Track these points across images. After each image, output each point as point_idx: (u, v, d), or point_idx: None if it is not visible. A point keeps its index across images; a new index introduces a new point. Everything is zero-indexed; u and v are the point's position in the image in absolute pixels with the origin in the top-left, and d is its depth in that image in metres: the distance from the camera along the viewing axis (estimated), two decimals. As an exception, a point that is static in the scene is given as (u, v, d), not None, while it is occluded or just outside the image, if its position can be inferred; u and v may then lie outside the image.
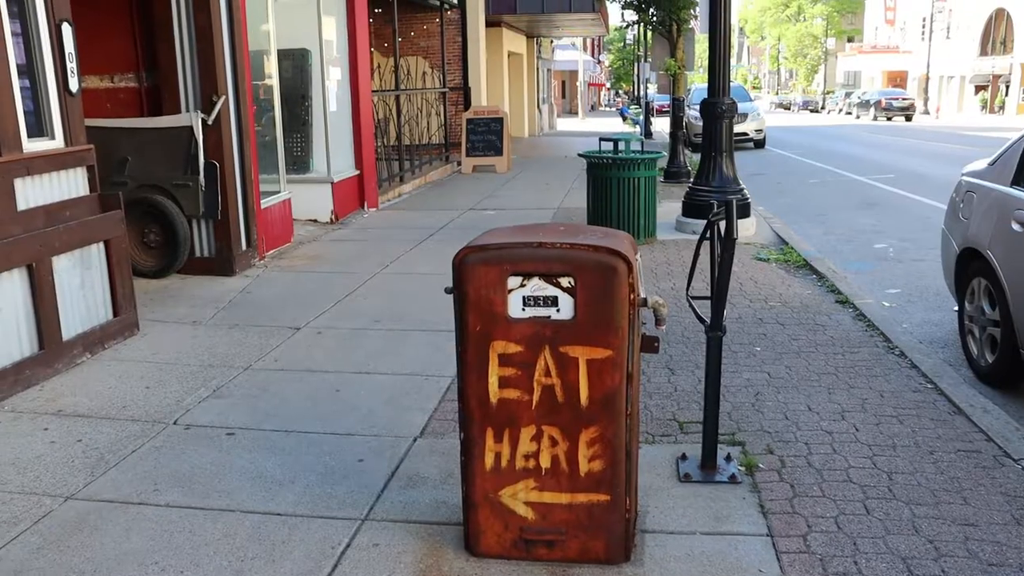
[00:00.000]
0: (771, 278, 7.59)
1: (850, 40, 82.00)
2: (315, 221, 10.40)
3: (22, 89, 5.29)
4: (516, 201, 12.60)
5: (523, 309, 2.86)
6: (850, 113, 53.52)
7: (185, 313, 6.63)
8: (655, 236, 9.25)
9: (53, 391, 5.04)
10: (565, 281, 2.81)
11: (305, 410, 4.65)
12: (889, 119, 45.34)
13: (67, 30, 5.59)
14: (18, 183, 5.19)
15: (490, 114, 16.90)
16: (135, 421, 4.54)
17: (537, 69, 32.60)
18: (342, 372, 5.26)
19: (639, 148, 9.58)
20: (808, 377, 5.03)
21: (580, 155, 9.40)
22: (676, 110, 16.06)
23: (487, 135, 16.69)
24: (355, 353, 5.61)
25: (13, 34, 5.20)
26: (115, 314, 5.98)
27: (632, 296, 2.85)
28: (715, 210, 3.60)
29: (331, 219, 10.48)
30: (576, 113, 55.78)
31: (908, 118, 45.59)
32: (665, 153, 13.30)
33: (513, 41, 25.99)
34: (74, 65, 5.66)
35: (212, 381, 5.12)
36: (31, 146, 5.35)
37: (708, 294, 3.73)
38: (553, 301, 2.84)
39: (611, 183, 8.83)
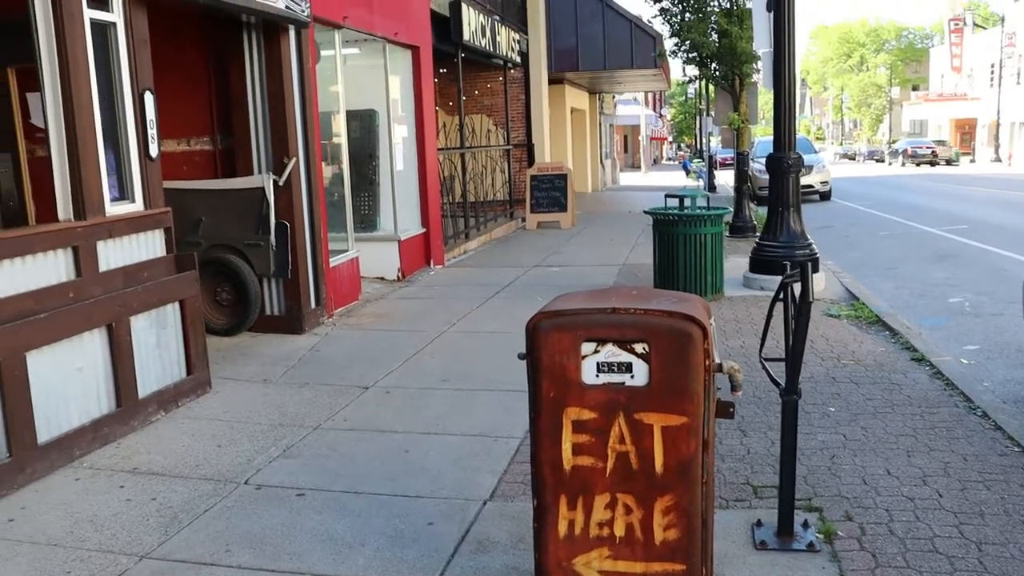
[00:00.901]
0: (842, 335, 7.44)
1: (915, 89, 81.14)
2: (382, 279, 10.53)
3: (106, 155, 5.49)
4: (581, 257, 12.61)
5: (597, 375, 2.84)
6: (881, 160, 58.46)
7: (256, 371, 6.72)
8: (723, 292, 9.16)
9: (129, 448, 5.13)
10: (639, 347, 2.79)
11: (374, 471, 4.66)
12: (918, 165, 50.39)
13: (149, 99, 5.80)
14: (100, 246, 5.36)
15: (554, 170, 17.01)
16: (207, 480, 4.60)
17: (599, 124, 32.83)
18: (411, 432, 5.26)
19: (705, 204, 9.53)
20: (886, 439, 4.89)
21: (646, 212, 9.39)
22: (741, 165, 15.99)
23: (551, 191, 16.80)
24: (423, 413, 5.62)
25: (100, 102, 5.41)
26: (188, 372, 6.10)
27: (707, 362, 2.82)
28: (789, 271, 3.55)
29: (398, 277, 10.60)
30: (639, 167, 55.88)
31: (932, 164, 50.50)
32: (730, 208, 13.21)
33: (576, 97, 26.24)
34: (154, 132, 5.85)
35: (282, 440, 5.17)
36: (113, 209, 5.53)
37: (780, 354, 3.66)
38: (627, 367, 2.82)
39: (677, 240, 8.79)
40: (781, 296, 3.62)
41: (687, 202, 9.11)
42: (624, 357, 2.81)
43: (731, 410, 3.10)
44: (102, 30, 5.51)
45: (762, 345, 3.85)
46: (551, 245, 14.09)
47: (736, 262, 10.71)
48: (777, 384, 3.65)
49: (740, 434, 5.06)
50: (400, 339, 7.66)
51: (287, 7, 7.10)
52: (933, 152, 52.15)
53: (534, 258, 12.58)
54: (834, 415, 5.34)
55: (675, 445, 2.85)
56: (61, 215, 5.32)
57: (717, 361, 2.90)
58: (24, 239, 4.91)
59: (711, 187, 27.59)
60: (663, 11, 21.85)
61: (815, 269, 9.45)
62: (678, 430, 2.84)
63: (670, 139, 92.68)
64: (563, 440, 2.90)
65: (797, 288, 3.47)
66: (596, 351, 2.82)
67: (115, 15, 5.60)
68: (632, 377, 2.83)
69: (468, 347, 7.35)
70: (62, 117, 5.20)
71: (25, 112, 6.91)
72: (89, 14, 5.34)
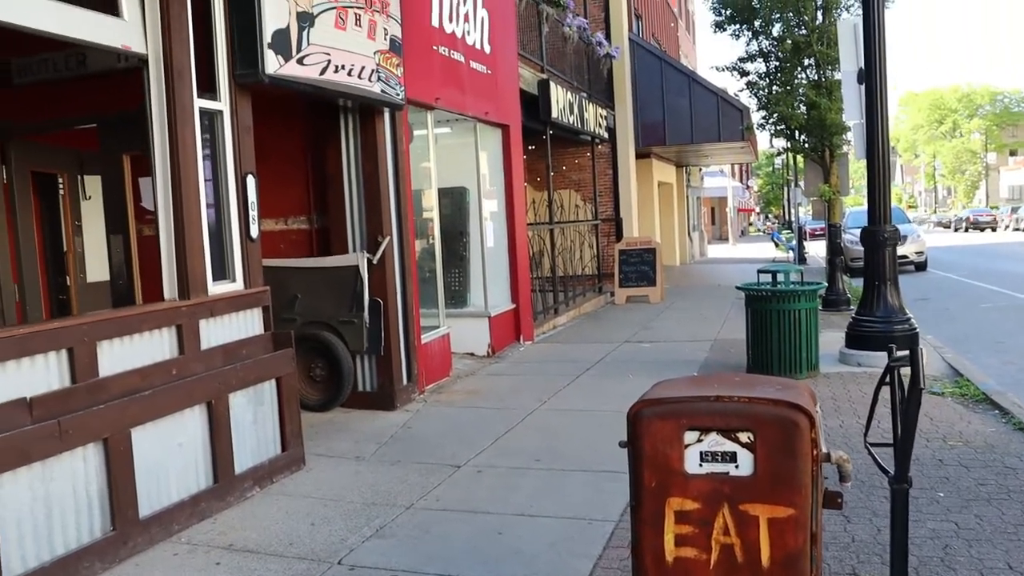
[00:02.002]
0: (948, 414, 7.14)
1: (1012, 154, 78.94)
2: (472, 355, 10.57)
3: (209, 236, 5.69)
4: (671, 333, 12.47)
5: (700, 465, 2.77)
6: (948, 225, 61.86)
7: (348, 448, 6.77)
8: (818, 369, 8.92)
9: (225, 524, 5.20)
10: (744, 436, 2.72)
11: (468, 553, 4.61)
12: (981, 230, 53.82)
13: (251, 181, 6.01)
14: (202, 324, 5.52)
15: (642, 245, 16.99)
16: (301, 559, 4.61)
17: (686, 197, 32.76)
18: (504, 514, 5.21)
19: (798, 278, 9.36)
20: (1003, 529, 4.63)
21: (738, 288, 9.27)
22: (833, 237, 15.70)
23: (640, 265, 16.75)
24: (516, 494, 5.56)
25: (205, 186, 5.63)
26: (283, 448, 6.18)
27: (815, 452, 2.72)
28: (895, 354, 3.43)
29: (488, 352, 10.63)
30: (726, 239, 55.39)
31: (993, 229, 53.63)
32: (824, 281, 12.93)
33: (663, 171, 26.28)
34: (255, 213, 6.05)
35: (375, 520, 5.16)
36: (214, 289, 5.71)
37: (882, 436, 3.52)
38: (732, 457, 2.74)
39: (771, 316, 8.64)
40: (887, 380, 3.49)
41: (780, 276, 8.96)
42: (728, 446, 2.74)
43: (839, 501, 2.99)
44: (209, 117, 5.76)
45: (867, 430, 3.70)
46: (641, 320, 13.98)
47: (831, 336, 10.44)
48: (885, 472, 3.49)
49: (844, 520, 4.86)
50: (491, 416, 7.65)
51: (383, 91, 7.32)
52: (994, 219, 55.84)
53: (624, 333, 12.48)
54: (944, 501, 5.10)
55: (782, 538, 2.75)
56: (166, 294, 5.51)
57: (824, 450, 2.81)
58: (133, 318, 5.08)
59: (801, 259, 27.15)
60: (750, 84, 21.92)
61: (915, 343, 9.14)
62: (785, 522, 2.74)
63: (757, 210, 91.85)
64: (665, 531, 2.83)
65: (903, 370, 3.35)
66: (699, 440, 2.75)
67: (222, 103, 5.85)
68: (737, 467, 2.75)
69: (560, 426, 7.29)
70: (171, 200, 5.43)
71: (136, 195, 7.27)
72: (199, 103, 5.59)
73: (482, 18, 10.65)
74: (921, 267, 24.26)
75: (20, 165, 7.78)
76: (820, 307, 12.81)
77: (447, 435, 7.07)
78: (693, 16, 44.19)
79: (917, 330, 9.32)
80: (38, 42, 6.20)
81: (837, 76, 18.27)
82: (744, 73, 21.93)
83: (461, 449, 6.60)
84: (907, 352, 3.28)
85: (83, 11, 5.00)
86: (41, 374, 4.48)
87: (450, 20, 9.64)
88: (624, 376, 9.17)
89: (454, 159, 10.64)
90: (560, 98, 14.15)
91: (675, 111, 20.99)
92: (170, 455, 5.18)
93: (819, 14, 19.79)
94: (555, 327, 13.39)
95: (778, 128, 21.41)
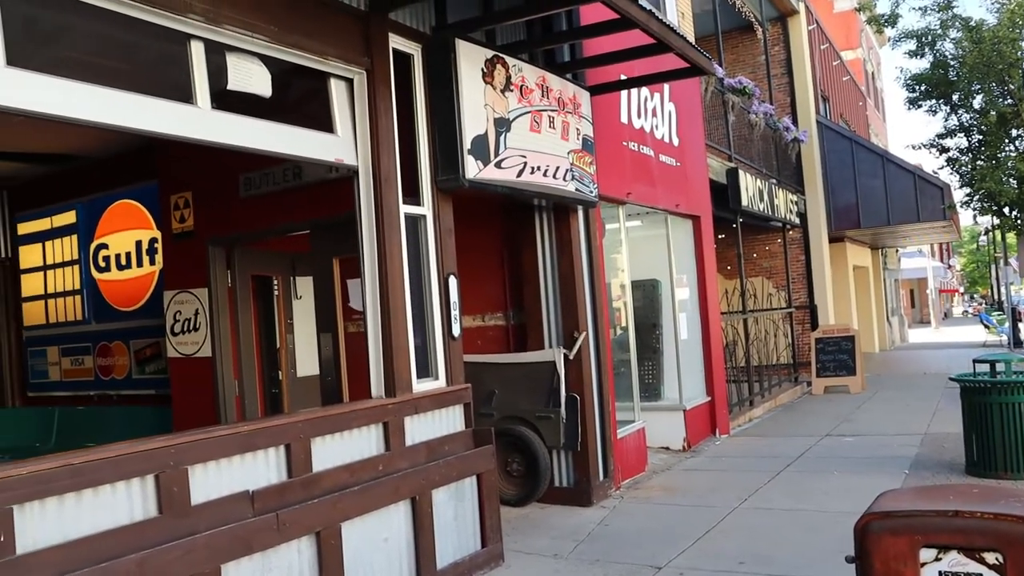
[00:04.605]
0: None
1: None
2: (667, 449, 10.36)
3: (414, 335, 5.89)
4: (876, 425, 11.77)
5: (940, 586, 2.56)
6: None
7: (546, 545, 6.72)
8: (1051, 469, 8.16)
9: (429, 623, 5.23)
10: (991, 557, 2.50)
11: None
12: None
13: (452, 282, 6.22)
14: (407, 421, 5.69)
15: (840, 332, 16.28)
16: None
17: (884, 280, 31.29)
18: (710, 622, 5.00)
19: (1022, 368, 8.68)
20: None
21: (952, 379, 8.68)
22: (1056, 321, 14.53)
23: (838, 354, 16.03)
24: (722, 600, 5.34)
25: (410, 287, 5.87)
26: (483, 545, 6.21)
27: (1075, 576, 2.47)
28: None
29: (683, 447, 10.39)
30: (928, 322, 52.33)
31: None
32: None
33: (857, 254, 25.31)
34: (457, 312, 6.24)
35: (578, 623, 5.07)
36: (418, 386, 5.89)
37: None
38: (977, 579, 2.53)
39: (991, 409, 8.01)
40: None
41: (1000, 366, 8.33)
42: (973, 567, 2.53)
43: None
44: (413, 221, 6.04)
45: None
46: (841, 412, 13.30)
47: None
48: None
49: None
50: (690, 515, 7.42)
51: (577, 189, 7.45)
52: None
53: (824, 426, 11.90)
54: None
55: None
56: (373, 392, 5.73)
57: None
58: (344, 416, 5.31)
59: (1016, 342, 25.23)
60: (951, 161, 20.92)
61: None
62: (1042, 654, 2.48)
63: (961, 290, 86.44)
64: (903, 657, 2.62)
65: None
66: (937, 559, 2.56)
67: (425, 208, 6.13)
68: (983, 590, 2.52)
69: (763, 526, 6.97)
70: (378, 301, 5.69)
71: (344, 296, 7.67)
72: (404, 208, 5.88)
73: (669, 112, 10.73)
74: None
75: (242, 270, 8.41)
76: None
77: (646, 534, 6.91)
78: (882, 93, 42.83)
79: None
80: (263, 159, 6.76)
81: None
82: (944, 149, 20.99)
83: (661, 549, 6.42)
84: None
85: (304, 131, 5.42)
86: (262, 469, 4.73)
87: (638, 116, 9.77)
88: (828, 473, 8.72)
89: (645, 251, 10.65)
90: (749, 185, 13.97)
91: (869, 192, 20.25)
92: (376, 550, 5.31)
93: (1026, 82, 18.78)
94: (751, 419, 12.94)
95: (985, 205, 20.24)
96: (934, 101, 20.84)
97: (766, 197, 15.01)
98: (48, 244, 10.68)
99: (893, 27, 20.48)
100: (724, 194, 13.29)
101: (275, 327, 8.93)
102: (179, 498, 4.18)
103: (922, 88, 20.88)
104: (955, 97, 20.26)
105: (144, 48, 5.15)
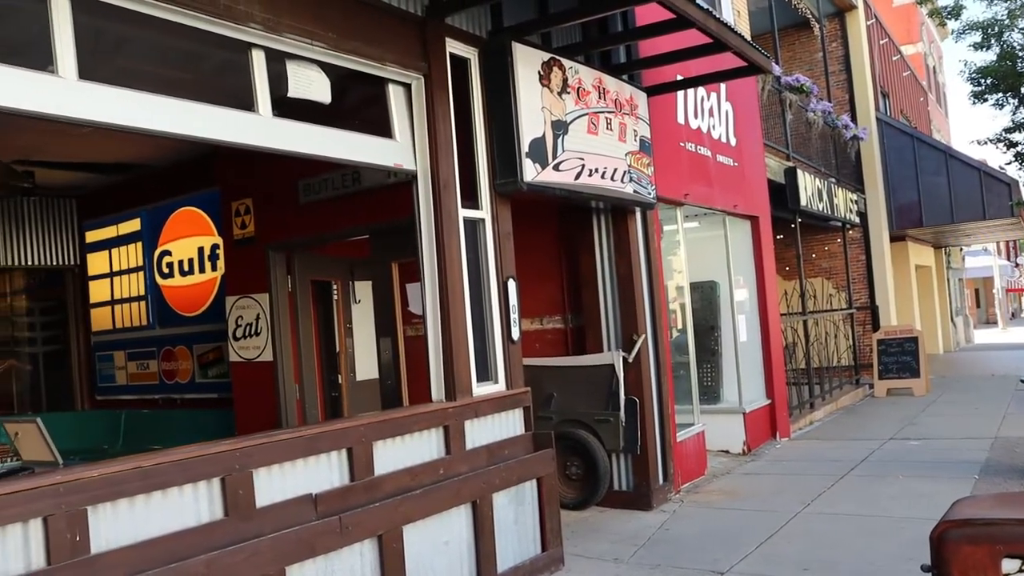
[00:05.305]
0: None
1: None
2: (726, 452, 10.24)
3: (474, 338, 5.91)
4: (941, 429, 11.51)
5: (1023, 597, 2.49)
6: None
7: (606, 549, 6.68)
8: None
9: (490, 627, 5.23)
10: (1078, 568, 2.42)
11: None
12: None
13: (512, 286, 6.22)
14: (467, 425, 5.70)
15: (903, 333, 15.95)
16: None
17: (947, 279, 30.60)
18: (776, 628, 4.92)
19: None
20: None
21: (1023, 381, 8.45)
22: None
23: (900, 355, 15.71)
24: (787, 606, 5.26)
25: (469, 291, 5.89)
26: (543, 548, 6.19)
27: None
28: None
29: (743, 450, 10.27)
30: (994, 323, 51.06)
31: None
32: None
33: (919, 254, 24.78)
34: (516, 316, 6.23)
35: (640, 628, 5.03)
36: (478, 390, 5.90)
37: None
38: (1063, 590, 2.45)
39: (1065, 412, 7.79)
40: None
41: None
42: (1059, 579, 2.45)
43: None
44: (472, 225, 6.05)
45: None
46: (905, 415, 13.02)
47: None
48: None
49: None
50: (751, 519, 7.32)
51: (635, 191, 7.41)
52: None
53: (887, 430, 11.66)
54: None
55: None
56: (434, 396, 5.75)
57: None
58: (405, 419, 5.34)
59: (1090, 343, 24.50)
60: (1019, 156, 20.39)
61: None
62: None
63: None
64: (982, 669, 2.54)
65: None
66: (1021, 570, 2.48)
67: (483, 212, 6.14)
68: (1069, 601, 2.44)
69: (827, 532, 6.85)
70: (438, 305, 5.72)
71: (404, 300, 7.73)
72: (463, 212, 5.90)
73: (726, 111, 10.62)
74: None
75: (302, 275, 8.51)
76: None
77: (706, 538, 6.83)
78: (944, 88, 41.88)
79: None
80: (322, 165, 6.83)
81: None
82: (1011, 144, 20.47)
83: (723, 554, 6.35)
84: None
85: (363, 136, 5.47)
86: (324, 472, 4.77)
87: (695, 116, 9.68)
88: (893, 477, 8.54)
89: (703, 253, 10.54)
90: (808, 185, 13.77)
91: (931, 190, 19.82)
92: (437, 553, 5.33)
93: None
94: (811, 422, 12.74)
95: (1056, 201, 19.69)
96: (1001, 95, 20.34)
97: (825, 196, 14.78)
98: (114, 251, 10.93)
99: (956, 19, 20.04)
100: (782, 194, 13.11)
101: (334, 331, 9.02)
102: (244, 501, 4.24)
103: (988, 81, 20.40)
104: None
105: (207, 58, 5.26)
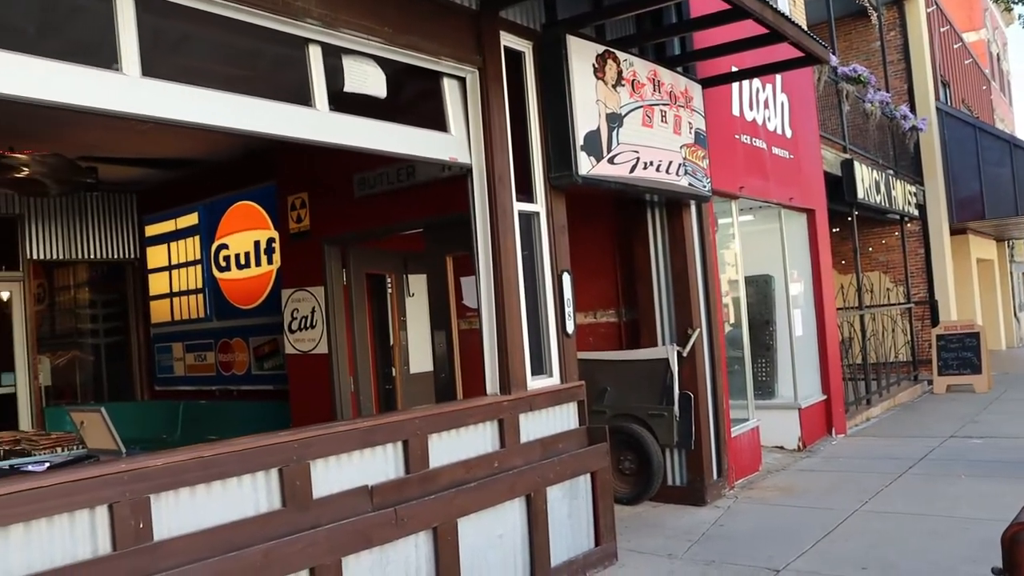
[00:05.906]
0: None
1: None
2: (781, 448, 10.12)
3: (528, 332, 5.91)
4: (1007, 427, 11.23)
5: (1099, 600, 2.42)
6: None
7: (660, 544, 6.65)
8: None
9: (544, 620, 5.23)
10: None
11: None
12: None
13: (566, 279, 6.21)
14: (522, 418, 5.70)
15: (963, 329, 15.61)
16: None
17: (1010, 273, 29.87)
18: (834, 627, 4.85)
19: None
20: None
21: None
22: None
23: (961, 351, 15.37)
24: (846, 605, 5.18)
25: (524, 284, 5.89)
26: (596, 543, 6.18)
27: None
28: None
29: (798, 447, 10.14)
30: (1059, 317, 49.73)
31: None
32: None
33: (981, 247, 24.22)
34: (571, 310, 6.22)
35: (696, 625, 4.99)
36: (533, 384, 5.89)
37: None
38: None
39: None
40: None
41: None
42: None
43: None
44: (527, 219, 6.04)
45: None
46: (966, 412, 12.74)
47: None
48: None
49: None
50: (807, 517, 7.23)
51: (690, 184, 7.34)
52: None
53: (947, 427, 11.42)
54: None
55: None
56: (488, 389, 5.76)
57: None
58: (460, 412, 5.36)
59: None
60: (1086, 147, 19.76)
61: None
62: None
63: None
64: (1054, 674, 2.48)
65: None
66: (1096, 572, 2.41)
67: (538, 206, 6.13)
68: None
69: (885, 531, 6.74)
70: (493, 298, 5.72)
71: (458, 293, 7.77)
72: (518, 206, 5.90)
73: (782, 103, 10.47)
74: None
75: (357, 268, 8.59)
76: None
77: (761, 535, 6.76)
78: (1008, 76, 40.83)
79: None
80: (377, 159, 6.88)
81: None
82: (1078, 135, 19.88)
83: (778, 551, 6.27)
84: None
85: (418, 130, 5.48)
86: (380, 464, 4.81)
87: (750, 108, 9.57)
88: (954, 477, 8.36)
89: (758, 246, 10.42)
90: (865, 177, 13.53)
91: (994, 181, 19.31)
92: (491, 546, 5.34)
93: None
94: (868, 419, 12.53)
95: None
96: (1067, 82, 19.76)
97: (883, 188, 14.51)
98: (173, 245, 11.13)
99: (1023, 4, 19.48)
100: (839, 186, 12.90)
101: (389, 324, 9.09)
102: (301, 491, 4.29)
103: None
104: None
105: (265, 54, 5.31)
